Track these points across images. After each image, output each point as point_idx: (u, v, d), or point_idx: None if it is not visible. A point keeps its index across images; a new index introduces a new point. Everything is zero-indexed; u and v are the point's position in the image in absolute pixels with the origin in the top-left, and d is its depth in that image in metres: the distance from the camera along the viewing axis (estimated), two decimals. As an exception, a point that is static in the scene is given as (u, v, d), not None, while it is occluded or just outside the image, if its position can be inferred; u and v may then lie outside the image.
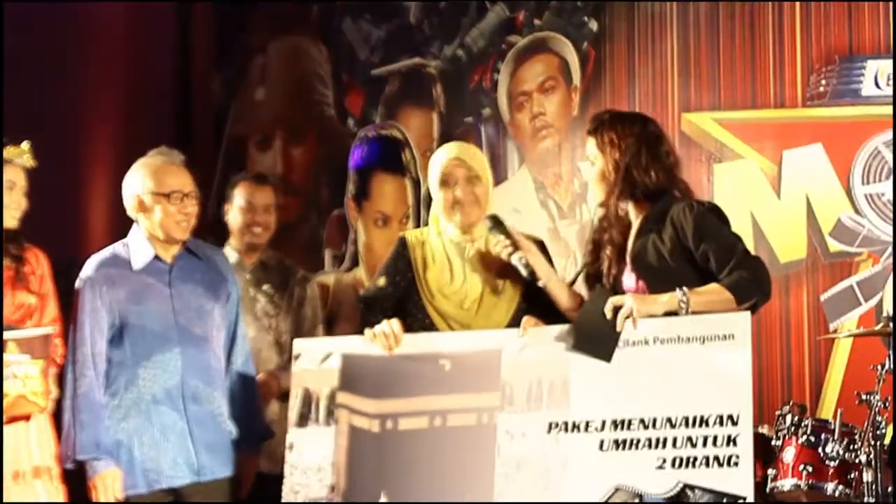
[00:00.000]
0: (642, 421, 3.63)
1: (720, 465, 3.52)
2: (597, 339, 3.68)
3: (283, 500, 3.98)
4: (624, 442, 3.64)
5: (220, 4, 7.33)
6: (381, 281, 4.12)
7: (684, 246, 3.76)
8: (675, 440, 3.58)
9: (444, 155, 4.06)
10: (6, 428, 4.04)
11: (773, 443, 4.67)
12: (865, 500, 4.64)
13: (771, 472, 4.66)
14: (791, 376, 5.46)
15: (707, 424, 3.56)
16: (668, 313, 3.68)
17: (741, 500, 3.48)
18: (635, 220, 3.92)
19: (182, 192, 4.17)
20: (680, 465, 3.56)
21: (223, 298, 4.29)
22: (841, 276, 5.48)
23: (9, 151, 4.17)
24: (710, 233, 3.74)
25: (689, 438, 3.57)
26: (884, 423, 4.64)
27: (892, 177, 5.38)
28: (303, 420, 4.00)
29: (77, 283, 4.20)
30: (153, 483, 4.11)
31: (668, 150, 3.93)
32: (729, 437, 3.53)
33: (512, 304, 3.98)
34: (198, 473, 4.14)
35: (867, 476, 4.64)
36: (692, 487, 3.53)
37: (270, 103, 7.15)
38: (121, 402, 4.13)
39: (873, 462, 4.63)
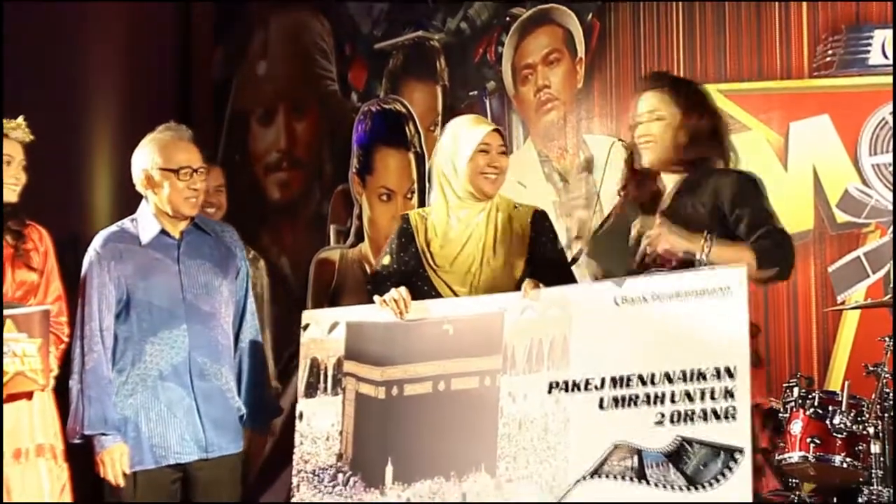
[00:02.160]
0: (641, 378, 3.66)
1: (718, 418, 3.53)
2: (615, 256, 3.73)
3: (293, 469, 4.04)
4: (623, 399, 3.66)
5: (221, -22, 7.36)
6: (386, 259, 4.16)
7: (721, 213, 3.77)
8: (673, 395, 3.60)
9: (478, 124, 4.12)
10: (6, 406, 4.06)
11: (780, 415, 4.67)
12: (873, 472, 4.66)
13: (780, 444, 4.68)
14: (798, 348, 5.47)
15: (704, 378, 3.58)
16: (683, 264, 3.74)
17: (738, 452, 3.49)
18: (670, 185, 3.92)
19: (191, 168, 4.18)
20: (678, 420, 3.58)
21: (232, 274, 4.30)
22: (848, 247, 5.48)
23: (4, 126, 4.18)
24: (747, 200, 3.75)
25: (687, 393, 3.59)
26: (891, 394, 4.66)
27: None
28: (311, 390, 4.06)
29: (85, 258, 4.21)
30: (160, 459, 4.13)
31: (719, 116, 3.93)
32: (726, 389, 3.54)
33: (515, 276, 4.00)
34: (205, 450, 4.16)
35: (875, 448, 4.66)
36: (690, 442, 3.55)
37: (272, 78, 7.15)
38: (128, 378, 4.15)
39: (881, 434, 4.65)
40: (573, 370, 3.75)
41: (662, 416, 3.60)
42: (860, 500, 4.74)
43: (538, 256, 4.03)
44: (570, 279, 4.07)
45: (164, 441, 4.14)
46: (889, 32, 5.38)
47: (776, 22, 5.64)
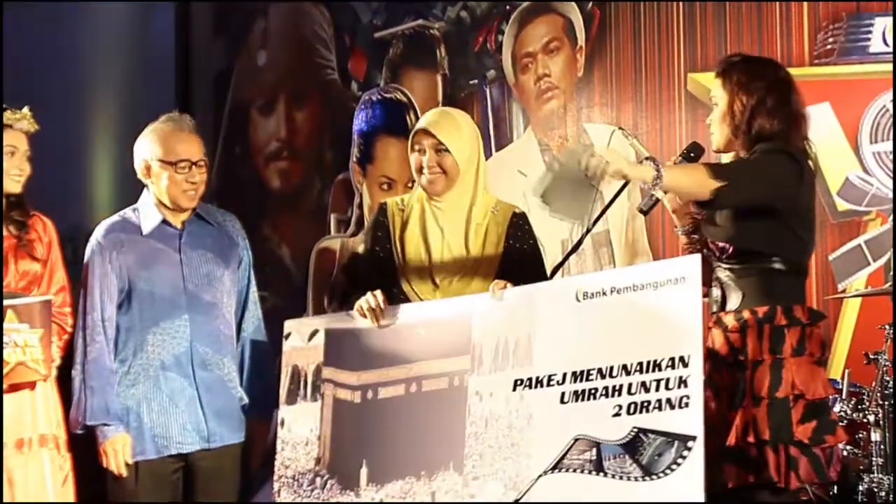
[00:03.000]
0: (600, 371, 3.65)
1: (672, 407, 3.51)
2: (571, 198, 3.65)
3: (275, 475, 4.04)
4: (583, 393, 3.66)
5: (219, -32, 7.37)
6: (360, 248, 4.15)
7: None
8: (630, 387, 3.59)
9: (418, 123, 4.08)
10: (9, 396, 4.06)
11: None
12: (874, 459, 4.68)
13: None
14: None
15: (660, 368, 3.56)
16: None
17: (691, 440, 3.47)
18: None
19: (190, 161, 4.17)
20: (634, 410, 3.57)
21: (234, 264, 4.30)
22: (849, 235, 5.49)
23: (8, 116, 4.16)
24: (756, 155, 3.67)
25: (643, 384, 3.57)
26: (892, 382, 4.68)
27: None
28: (291, 396, 4.06)
29: (87, 248, 4.22)
30: (162, 449, 4.14)
31: (797, 100, 3.78)
32: (680, 378, 3.52)
33: (488, 281, 3.94)
34: (207, 440, 4.17)
35: (875, 436, 4.68)
36: (645, 432, 3.54)
37: (272, 68, 7.17)
38: (130, 368, 4.16)
39: (881, 422, 4.67)
40: (536, 367, 3.75)
41: (620, 407, 3.59)
42: (861, 487, 4.76)
43: (512, 261, 3.99)
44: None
45: (166, 431, 4.15)
46: (889, 20, 5.39)
47: (777, 10, 5.64)
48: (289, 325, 4.14)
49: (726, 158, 3.81)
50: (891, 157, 5.41)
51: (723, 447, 3.60)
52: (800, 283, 3.73)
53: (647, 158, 3.59)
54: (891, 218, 5.34)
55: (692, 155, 3.79)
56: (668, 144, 5.82)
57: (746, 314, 3.65)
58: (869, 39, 5.43)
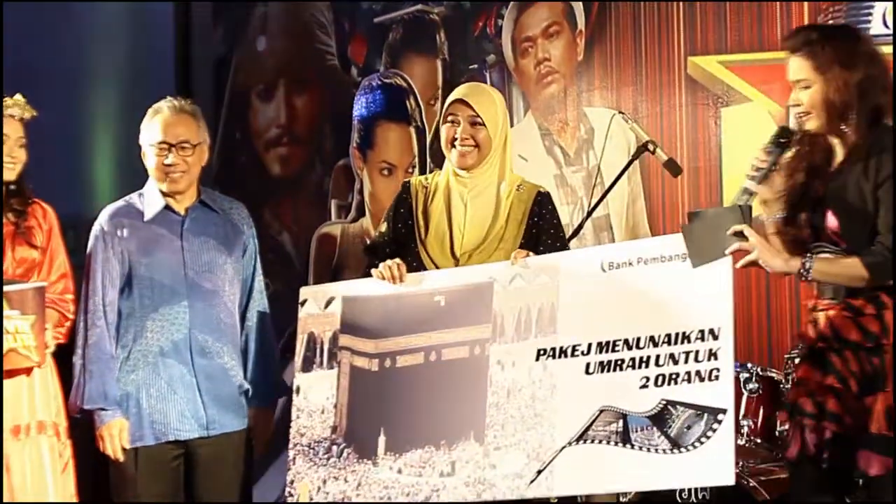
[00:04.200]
0: (626, 342, 3.67)
1: (701, 379, 3.53)
2: (701, 243, 3.60)
3: (290, 443, 4.05)
4: (609, 364, 3.68)
5: (218, -47, 7.36)
6: (383, 227, 4.17)
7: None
8: (658, 358, 3.61)
9: (454, 93, 4.08)
10: (6, 382, 4.07)
11: (781, 386, 4.68)
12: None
13: (780, 414, 4.68)
14: (801, 321, 5.47)
15: (689, 340, 3.58)
16: None
17: (721, 413, 3.49)
18: (840, 149, 3.63)
19: (167, 143, 4.18)
20: (662, 382, 3.59)
21: (238, 252, 4.31)
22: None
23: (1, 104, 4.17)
24: (887, 193, 3.47)
25: (672, 356, 3.59)
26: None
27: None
28: (307, 364, 4.09)
29: (91, 233, 4.24)
30: (160, 436, 4.16)
31: (887, 65, 3.62)
32: (710, 351, 3.54)
33: (508, 256, 3.95)
34: (206, 427, 4.18)
35: (876, 418, 4.65)
36: (674, 404, 3.55)
37: (272, 53, 7.16)
38: (130, 353, 4.17)
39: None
40: (561, 337, 3.76)
41: (647, 379, 3.61)
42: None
43: (537, 240, 4.00)
44: None
45: (164, 418, 4.16)
46: (889, 3, 5.37)
47: None
48: (305, 292, 4.17)
49: (836, 142, 3.60)
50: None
51: (862, 434, 3.48)
52: None
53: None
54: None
55: (783, 140, 3.63)
56: (668, 128, 5.81)
57: (883, 295, 3.49)
58: (869, 22, 5.39)
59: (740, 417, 4.65)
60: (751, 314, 5.53)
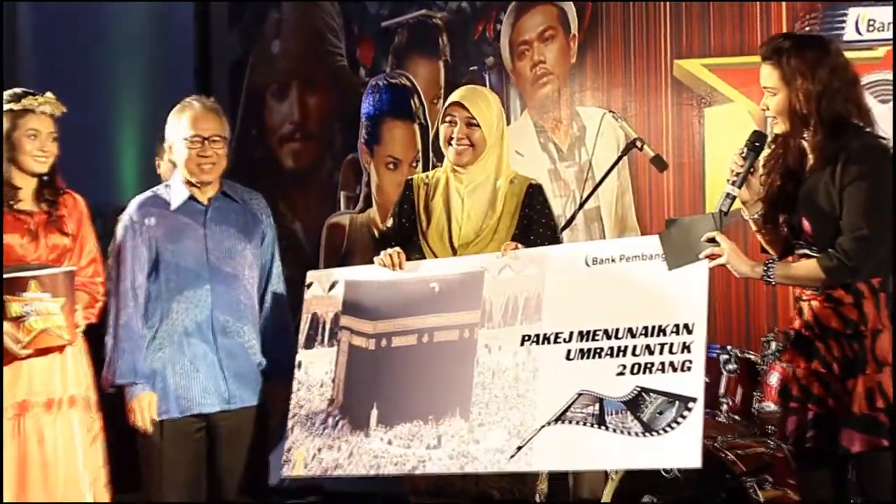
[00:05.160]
0: (606, 332, 3.67)
1: (674, 370, 3.53)
2: (677, 248, 3.61)
3: (290, 413, 4.05)
4: (589, 351, 3.68)
5: (236, -39, 7.35)
6: (390, 222, 4.19)
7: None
8: (634, 348, 3.61)
9: (452, 96, 4.08)
10: (39, 360, 4.09)
11: (758, 367, 4.69)
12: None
13: (756, 394, 4.69)
14: (777, 305, 5.47)
15: (664, 333, 3.58)
16: None
17: (692, 401, 3.50)
18: (811, 153, 3.57)
19: (201, 137, 4.15)
20: (638, 371, 3.59)
21: (257, 240, 4.29)
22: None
23: (30, 101, 4.13)
24: (855, 194, 3.43)
25: (648, 346, 3.59)
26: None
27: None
28: (309, 342, 4.09)
29: (120, 221, 4.23)
30: (185, 409, 4.16)
31: (856, 78, 3.55)
32: (684, 344, 3.54)
33: (500, 248, 3.97)
34: (227, 401, 4.18)
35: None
36: (648, 391, 3.56)
37: (286, 55, 7.14)
38: (157, 333, 4.17)
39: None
40: (545, 324, 3.76)
41: (624, 367, 3.62)
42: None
43: (528, 231, 4.00)
44: None
45: (189, 392, 4.16)
46: (862, 10, 5.36)
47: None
48: (311, 276, 4.17)
49: (806, 143, 3.56)
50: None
51: (844, 415, 3.46)
52: (892, 251, 3.51)
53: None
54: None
55: (757, 145, 3.60)
56: (655, 127, 5.80)
57: (861, 286, 3.47)
58: (843, 28, 5.37)
59: (720, 396, 4.65)
60: (730, 301, 5.53)
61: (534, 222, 4.01)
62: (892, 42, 5.31)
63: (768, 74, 3.54)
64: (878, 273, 3.47)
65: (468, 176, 4.04)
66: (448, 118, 4.03)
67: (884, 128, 5.21)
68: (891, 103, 5.31)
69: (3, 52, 5.88)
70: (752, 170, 3.62)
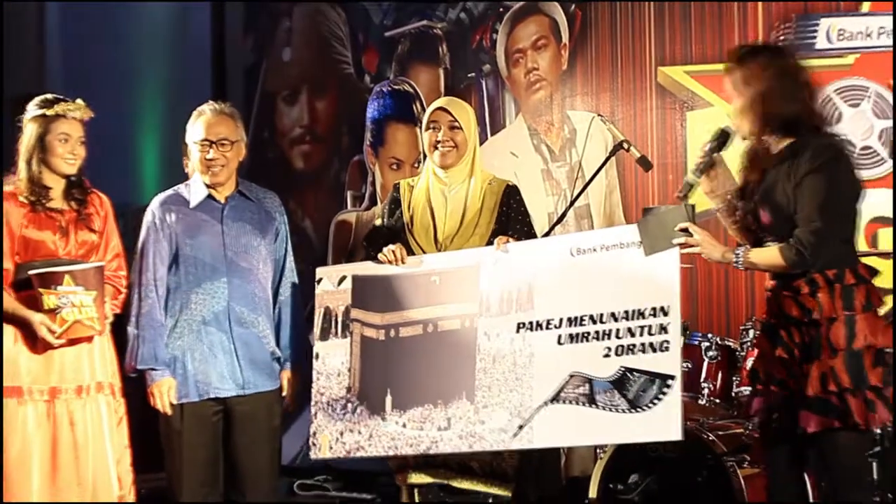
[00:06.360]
0: (592, 317, 3.70)
1: (654, 350, 3.58)
2: (653, 235, 3.64)
3: (312, 400, 4.09)
4: (577, 335, 3.72)
5: (250, -24, 7.34)
6: (378, 221, 4.23)
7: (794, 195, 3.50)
8: (618, 332, 3.65)
9: (434, 104, 4.14)
10: (70, 349, 4.08)
11: (737, 353, 4.70)
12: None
13: (735, 379, 4.70)
14: (754, 295, 5.49)
15: (643, 316, 3.62)
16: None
17: (670, 378, 3.54)
18: (774, 147, 3.60)
19: (209, 140, 4.16)
20: (622, 352, 3.63)
21: (270, 236, 4.29)
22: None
23: (63, 107, 4.13)
24: (809, 189, 3.45)
25: (629, 329, 3.63)
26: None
27: (892, 125, 5.32)
28: (324, 334, 4.12)
29: (144, 218, 4.24)
30: (203, 393, 4.17)
31: (807, 82, 3.55)
32: (661, 325, 3.58)
33: (483, 241, 4.03)
34: (242, 387, 4.18)
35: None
36: (632, 371, 3.60)
37: (296, 62, 7.14)
38: (177, 322, 4.17)
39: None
40: (537, 312, 3.80)
41: (609, 349, 3.66)
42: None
43: (507, 227, 4.04)
44: None
45: (206, 378, 4.16)
46: (833, 21, 5.37)
47: (735, 11, 5.61)
48: (320, 272, 4.19)
49: (773, 144, 3.59)
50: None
51: (801, 396, 3.49)
52: (853, 244, 3.58)
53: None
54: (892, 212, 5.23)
55: (719, 140, 3.63)
56: (640, 129, 5.82)
57: (817, 277, 3.49)
58: (815, 37, 5.40)
59: (701, 380, 4.66)
60: (711, 292, 5.56)
61: (511, 219, 4.08)
62: (860, 50, 5.33)
63: (729, 81, 3.60)
64: (834, 265, 3.49)
65: (449, 177, 4.10)
66: (432, 124, 4.08)
67: (852, 128, 5.30)
68: (859, 107, 5.33)
69: (34, 63, 5.87)
70: (712, 162, 3.65)
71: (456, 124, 4.06)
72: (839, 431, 3.46)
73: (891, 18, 5.26)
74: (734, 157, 3.69)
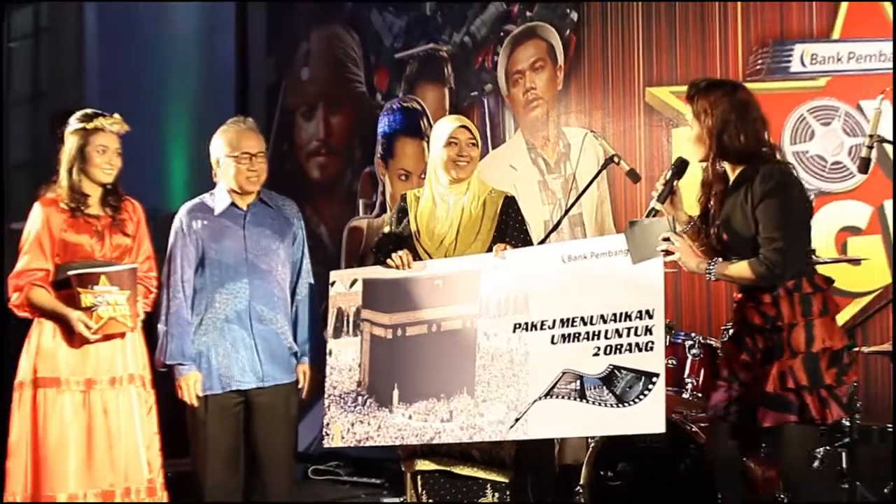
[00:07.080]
0: (582, 319, 3.72)
1: (640, 350, 3.59)
2: (639, 244, 3.66)
3: (325, 394, 4.10)
4: (569, 336, 3.74)
5: (271, 1, 7.33)
6: (386, 229, 4.23)
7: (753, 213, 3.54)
8: (606, 332, 3.66)
9: (452, 121, 4.13)
10: (104, 344, 4.12)
11: (718, 351, 4.67)
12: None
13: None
14: (734, 298, 5.52)
15: (630, 318, 3.63)
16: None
17: (655, 376, 3.57)
18: (731, 173, 3.64)
19: (249, 153, 4.18)
20: (610, 351, 3.65)
21: (289, 240, 4.30)
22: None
23: (102, 121, 4.16)
24: (766, 212, 3.49)
25: (617, 330, 3.64)
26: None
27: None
28: (337, 332, 4.13)
29: (172, 224, 4.25)
30: (226, 386, 4.19)
31: (756, 116, 3.58)
32: (646, 327, 3.60)
33: (483, 248, 4.05)
34: (262, 379, 4.20)
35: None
36: (619, 369, 3.62)
37: (313, 81, 7.15)
38: (202, 321, 4.19)
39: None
40: (532, 314, 3.81)
41: (598, 349, 3.68)
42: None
43: (505, 235, 4.05)
44: None
45: (229, 371, 4.18)
46: (807, 46, 5.32)
47: (716, 37, 5.53)
48: (334, 275, 4.19)
49: (728, 170, 3.62)
50: (806, 156, 5.36)
51: (761, 393, 3.53)
52: (809, 256, 3.64)
53: (709, 264, 3.55)
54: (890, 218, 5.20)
55: (677, 169, 3.69)
56: (629, 144, 5.79)
57: (778, 289, 3.55)
58: (790, 61, 5.37)
59: (685, 376, 4.62)
60: (694, 295, 5.56)
61: (509, 227, 4.08)
62: (831, 73, 5.37)
63: (687, 111, 3.65)
64: (793, 276, 3.55)
65: (453, 189, 4.10)
66: (453, 140, 4.08)
67: (824, 145, 5.35)
68: (830, 125, 5.37)
69: (74, 83, 5.91)
70: (672, 189, 3.69)
71: (473, 141, 4.08)
72: (792, 427, 3.53)
73: (859, 44, 5.29)
74: (693, 182, 3.75)
